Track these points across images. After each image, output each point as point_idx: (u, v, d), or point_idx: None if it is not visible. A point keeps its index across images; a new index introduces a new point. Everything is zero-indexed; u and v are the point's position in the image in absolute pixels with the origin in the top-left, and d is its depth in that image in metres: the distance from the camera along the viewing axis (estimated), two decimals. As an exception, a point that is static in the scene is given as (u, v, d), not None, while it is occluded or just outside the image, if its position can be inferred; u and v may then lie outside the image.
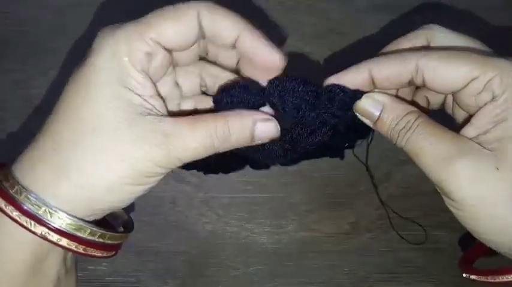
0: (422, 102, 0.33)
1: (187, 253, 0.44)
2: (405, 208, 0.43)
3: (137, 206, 0.43)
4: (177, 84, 0.32)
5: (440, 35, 0.30)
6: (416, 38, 0.31)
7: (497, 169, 0.26)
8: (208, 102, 0.33)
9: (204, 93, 0.34)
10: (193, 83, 0.33)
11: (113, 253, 0.31)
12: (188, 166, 0.30)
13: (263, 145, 0.31)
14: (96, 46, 0.28)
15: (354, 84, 0.30)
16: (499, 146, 0.27)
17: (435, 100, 0.33)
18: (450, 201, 0.28)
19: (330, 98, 0.30)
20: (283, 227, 0.44)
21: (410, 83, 0.30)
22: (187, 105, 0.33)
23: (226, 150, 0.29)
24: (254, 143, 0.30)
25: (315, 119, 0.31)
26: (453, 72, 0.28)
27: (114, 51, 0.27)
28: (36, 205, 0.27)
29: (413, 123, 0.29)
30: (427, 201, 0.44)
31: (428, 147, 0.28)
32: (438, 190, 0.29)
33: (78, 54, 0.45)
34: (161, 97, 0.29)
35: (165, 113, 0.29)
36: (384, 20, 0.45)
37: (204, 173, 0.39)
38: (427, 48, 0.30)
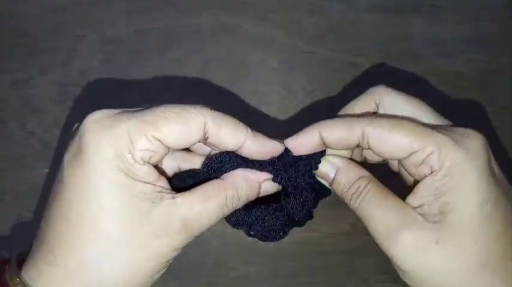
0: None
1: (187, 253, 0.44)
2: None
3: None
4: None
5: (389, 99, 0.31)
6: (365, 102, 0.32)
7: (436, 243, 0.27)
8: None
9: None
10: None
11: None
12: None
13: (263, 222, 0.33)
14: (93, 145, 0.27)
15: (307, 146, 0.31)
16: (439, 219, 0.28)
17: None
18: (399, 271, 0.30)
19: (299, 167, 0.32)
20: (283, 227, 0.44)
21: (358, 146, 0.31)
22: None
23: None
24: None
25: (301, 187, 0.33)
26: (395, 143, 0.29)
27: (117, 150, 0.26)
28: None
29: (363, 188, 0.30)
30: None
31: (376, 217, 0.29)
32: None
33: (78, 54, 0.46)
34: (163, 173, 0.30)
35: (170, 188, 0.29)
36: (384, 20, 0.45)
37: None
38: (373, 115, 0.31)
